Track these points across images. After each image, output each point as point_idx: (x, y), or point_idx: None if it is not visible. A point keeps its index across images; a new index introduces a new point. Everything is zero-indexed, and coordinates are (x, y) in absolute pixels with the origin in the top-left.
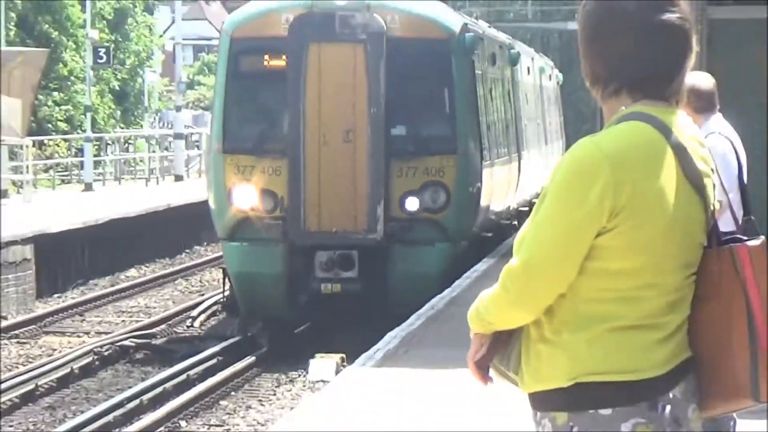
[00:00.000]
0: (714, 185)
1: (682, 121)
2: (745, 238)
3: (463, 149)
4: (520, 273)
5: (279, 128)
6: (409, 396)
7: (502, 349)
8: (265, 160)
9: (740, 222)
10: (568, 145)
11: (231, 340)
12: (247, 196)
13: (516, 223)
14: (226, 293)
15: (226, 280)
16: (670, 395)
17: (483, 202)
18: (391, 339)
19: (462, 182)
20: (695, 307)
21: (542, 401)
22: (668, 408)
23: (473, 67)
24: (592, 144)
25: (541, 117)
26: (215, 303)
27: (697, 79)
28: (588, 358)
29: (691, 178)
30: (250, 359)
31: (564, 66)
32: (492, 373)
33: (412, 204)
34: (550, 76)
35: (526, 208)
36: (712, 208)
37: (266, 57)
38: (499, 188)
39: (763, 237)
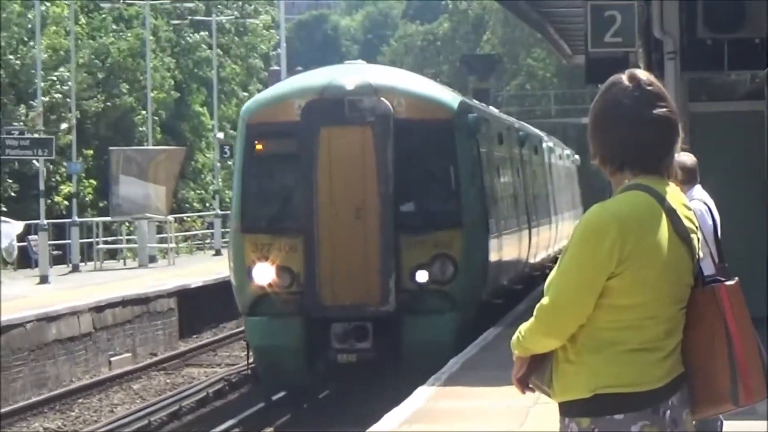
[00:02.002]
0: (698, 239)
1: (672, 190)
2: (723, 279)
3: (469, 222)
4: (549, 309)
5: (294, 208)
6: (472, 406)
7: (538, 368)
8: (281, 239)
9: (717, 267)
10: (584, 212)
11: (255, 408)
12: (265, 273)
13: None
14: (251, 365)
15: (250, 352)
16: (669, 402)
17: (491, 272)
18: (453, 364)
19: (468, 254)
20: (686, 333)
21: (569, 409)
22: (668, 412)
23: (477, 145)
24: (602, 209)
25: (552, 191)
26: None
27: (683, 157)
28: (604, 375)
29: (680, 233)
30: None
31: (581, 151)
32: (531, 386)
33: (422, 276)
34: (566, 157)
35: (538, 273)
36: (697, 256)
37: (280, 141)
38: (508, 257)
39: (737, 278)
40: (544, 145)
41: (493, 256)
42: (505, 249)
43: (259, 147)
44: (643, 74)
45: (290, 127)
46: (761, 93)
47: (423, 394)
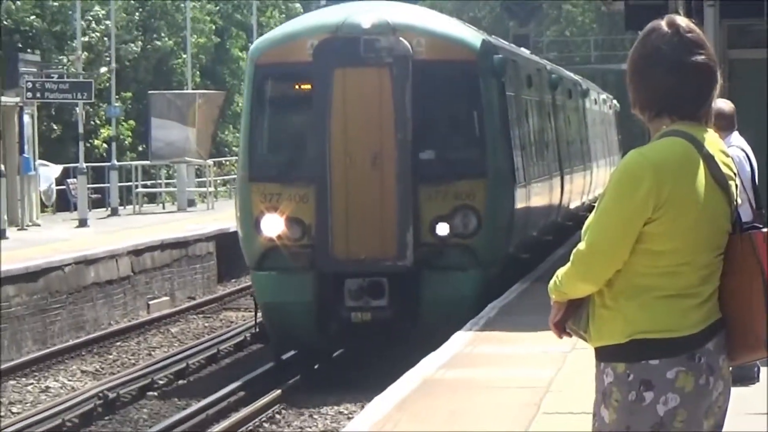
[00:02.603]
0: (736, 186)
1: (711, 137)
2: (761, 226)
3: (494, 172)
4: (585, 254)
5: (305, 155)
6: (510, 351)
7: (574, 313)
8: (291, 188)
9: (754, 214)
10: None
11: (264, 367)
12: (274, 225)
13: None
14: (259, 321)
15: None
16: (705, 348)
17: (518, 224)
18: (491, 309)
19: (493, 206)
20: (723, 280)
21: (605, 354)
22: (703, 359)
23: (503, 89)
24: (639, 155)
25: (587, 137)
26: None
27: (721, 104)
28: (639, 320)
29: (718, 179)
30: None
31: (620, 97)
32: (568, 330)
33: (443, 229)
34: (603, 102)
35: (571, 223)
36: (734, 203)
37: (291, 83)
38: (537, 208)
39: None
40: (579, 89)
41: (520, 208)
42: (534, 199)
43: (267, 89)
44: (682, 21)
45: (302, 69)
46: None
47: (460, 339)
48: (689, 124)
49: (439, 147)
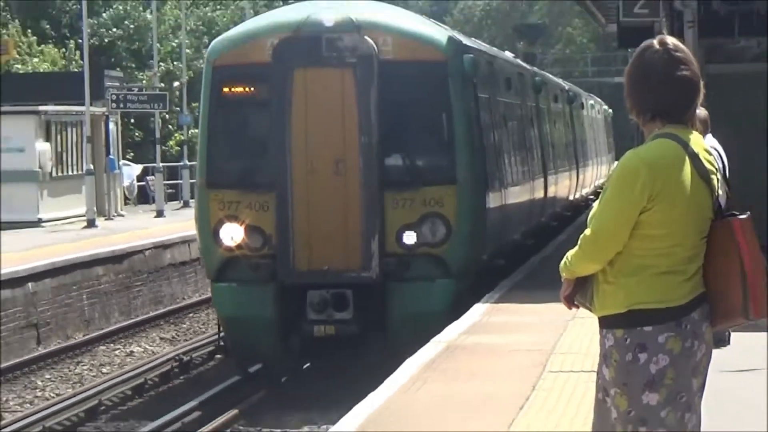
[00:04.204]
0: (717, 179)
1: (695, 138)
2: (738, 213)
3: (464, 178)
4: (591, 239)
5: (266, 161)
6: (520, 321)
7: (581, 288)
8: (251, 195)
9: (730, 202)
10: (617, 157)
11: (232, 380)
12: (233, 234)
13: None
14: (222, 335)
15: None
16: (691, 317)
17: (492, 231)
18: (504, 285)
19: (464, 213)
20: (706, 259)
21: (606, 322)
22: (689, 326)
23: (475, 90)
24: (635, 155)
25: (576, 138)
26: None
27: (700, 111)
28: (637, 294)
29: (702, 174)
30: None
31: (615, 106)
32: (576, 303)
33: (410, 238)
34: (591, 107)
35: (555, 223)
36: (716, 194)
37: (250, 85)
38: (516, 212)
39: (748, 213)
40: (566, 94)
41: (494, 214)
42: (511, 204)
43: (225, 91)
44: (671, 40)
45: (261, 70)
46: (764, 56)
47: (478, 311)
48: (677, 127)
49: (405, 152)
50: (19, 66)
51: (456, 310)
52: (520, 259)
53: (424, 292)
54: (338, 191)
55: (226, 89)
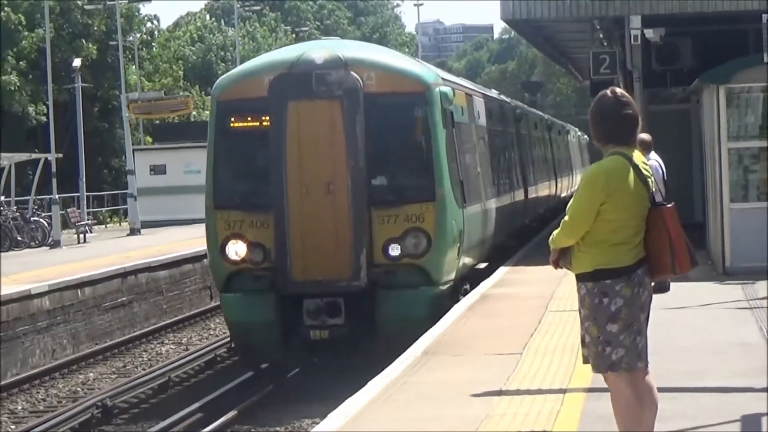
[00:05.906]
0: (652, 181)
1: (636, 155)
2: (666, 203)
3: (441, 196)
4: (568, 223)
5: (265, 184)
6: (529, 277)
7: (564, 255)
8: (253, 215)
9: (664, 197)
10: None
11: (244, 377)
12: (237, 250)
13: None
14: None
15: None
16: (636, 272)
17: (470, 241)
18: (517, 254)
19: (442, 227)
20: (646, 234)
21: (581, 278)
22: (636, 278)
23: (451, 118)
24: (597, 166)
25: (553, 158)
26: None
27: (644, 135)
28: (599, 258)
29: (641, 178)
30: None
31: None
32: (560, 265)
33: (395, 250)
34: (566, 133)
35: (535, 224)
36: (651, 191)
37: (250, 117)
38: (495, 221)
39: (674, 203)
40: (545, 123)
41: (471, 226)
42: (490, 215)
43: (229, 123)
44: (619, 90)
45: (260, 103)
46: (688, 99)
47: (502, 271)
48: (624, 147)
49: (389, 173)
50: (194, 114)
51: (438, 314)
52: (509, 254)
53: (408, 298)
54: (329, 210)
55: (229, 121)
